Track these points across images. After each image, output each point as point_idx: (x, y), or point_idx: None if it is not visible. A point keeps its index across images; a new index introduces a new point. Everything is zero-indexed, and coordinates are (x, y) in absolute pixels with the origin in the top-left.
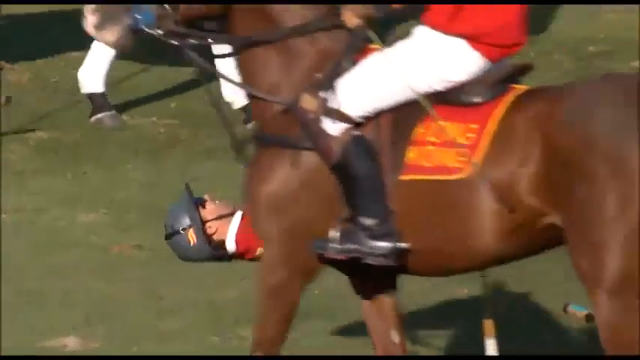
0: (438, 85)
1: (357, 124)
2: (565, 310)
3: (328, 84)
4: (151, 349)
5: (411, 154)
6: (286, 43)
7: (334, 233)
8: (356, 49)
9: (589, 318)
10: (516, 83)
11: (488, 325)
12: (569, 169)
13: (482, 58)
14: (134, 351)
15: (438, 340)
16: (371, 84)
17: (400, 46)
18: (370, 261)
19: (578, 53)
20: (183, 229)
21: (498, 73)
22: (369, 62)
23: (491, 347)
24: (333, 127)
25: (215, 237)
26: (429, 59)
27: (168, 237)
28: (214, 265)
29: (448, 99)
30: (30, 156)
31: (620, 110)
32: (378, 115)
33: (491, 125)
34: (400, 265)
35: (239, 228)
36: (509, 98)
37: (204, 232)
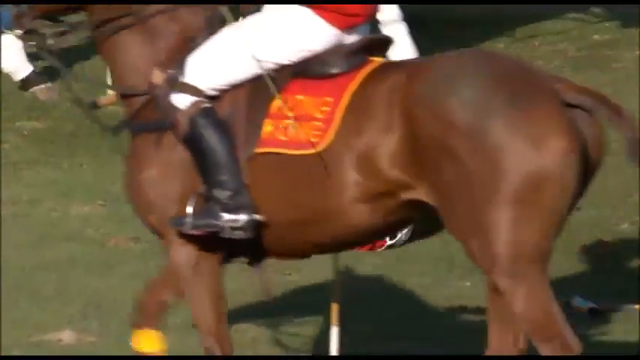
0: (293, 55)
1: (210, 98)
2: (569, 303)
3: (181, 58)
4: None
5: (268, 128)
6: (147, 28)
7: (189, 209)
8: (215, 27)
9: (592, 312)
10: (376, 56)
11: (334, 309)
12: (431, 146)
13: (328, 25)
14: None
15: (439, 333)
16: (220, 57)
17: (250, 20)
18: (226, 234)
19: (582, 42)
20: None
21: (354, 45)
22: (221, 36)
23: (334, 333)
24: (181, 100)
25: None
26: (279, 30)
27: None
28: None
29: (305, 71)
30: (25, 146)
31: (476, 85)
32: (235, 89)
33: (347, 98)
34: (265, 245)
35: None
36: (366, 70)
37: None
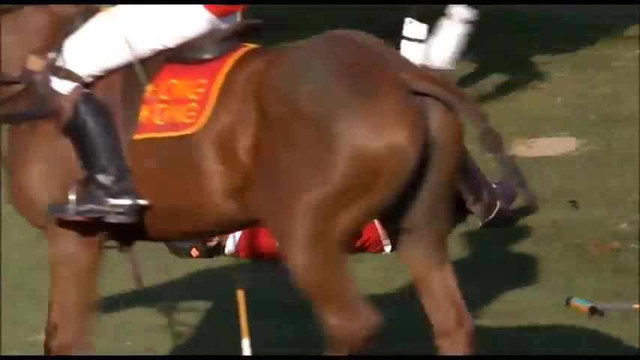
0: (169, 41)
1: (87, 83)
2: (568, 303)
3: (59, 45)
4: (146, 343)
5: (144, 113)
6: (18, 14)
7: (72, 195)
8: (91, 12)
9: (592, 311)
10: (247, 42)
11: (240, 295)
12: (276, 133)
13: (206, 11)
14: (128, 345)
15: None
16: (97, 43)
17: (127, 6)
18: (111, 219)
19: (583, 40)
20: (189, 247)
21: (226, 30)
22: (97, 22)
23: (242, 317)
24: (62, 86)
25: (214, 244)
26: (155, 16)
27: (172, 248)
28: (210, 259)
29: (178, 56)
30: None
31: (325, 74)
32: (109, 74)
33: (220, 80)
34: (142, 229)
35: (243, 234)
36: (236, 55)
37: (206, 244)
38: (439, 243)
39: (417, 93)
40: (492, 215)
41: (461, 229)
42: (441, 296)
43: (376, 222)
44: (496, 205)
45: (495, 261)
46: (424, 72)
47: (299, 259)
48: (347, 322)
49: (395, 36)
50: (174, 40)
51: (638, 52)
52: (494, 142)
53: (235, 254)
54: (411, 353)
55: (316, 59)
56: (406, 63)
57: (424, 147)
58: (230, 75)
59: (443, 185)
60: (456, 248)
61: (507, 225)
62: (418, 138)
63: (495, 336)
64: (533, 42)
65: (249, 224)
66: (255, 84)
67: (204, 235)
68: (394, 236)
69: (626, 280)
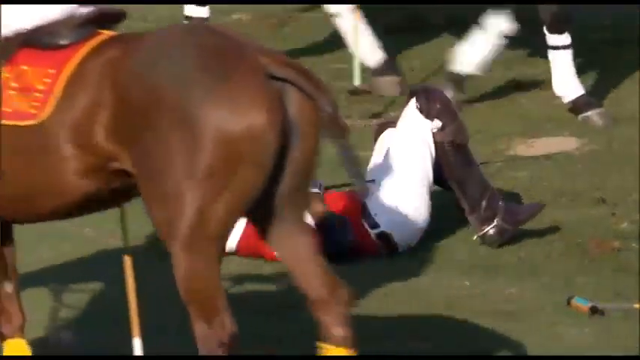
0: (27, 22)
1: None
2: (569, 303)
3: None
4: (148, 342)
5: None
6: None
7: None
8: None
9: (593, 311)
10: (108, 29)
11: (127, 261)
12: (138, 120)
13: None
14: (130, 345)
15: (436, 333)
16: None
17: None
18: None
19: (583, 40)
20: None
21: (83, 16)
22: None
23: (131, 289)
24: None
25: None
26: None
27: None
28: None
29: (34, 40)
30: None
31: (182, 59)
32: None
33: (69, 69)
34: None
35: (243, 232)
36: (93, 42)
37: None
38: (302, 221)
39: (275, 78)
40: (487, 229)
41: (461, 229)
42: (312, 270)
43: (366, 226)
44: (493, 220)
45: (495, 260)
46: (281, 57)
47: (178, 258)
48: (211, 330)
49: (394, 35)
50: (32, 21)
51: (638, 52)
52: (337, 130)
53: (236, 253)
54: (403, 353)
55: (174, 45)
56: (263, 48)
57: (283, 131)
58: (83, 63)
59: (303, 169)
60: (456, 248)
61: (501, 242)
62: (277, 121)
63: (495, 336)
64: (533, 42)
65: (115, 201)
66: (111, 72)
67: (66, 216)
68: (260, 222)
69: (627, 279)
